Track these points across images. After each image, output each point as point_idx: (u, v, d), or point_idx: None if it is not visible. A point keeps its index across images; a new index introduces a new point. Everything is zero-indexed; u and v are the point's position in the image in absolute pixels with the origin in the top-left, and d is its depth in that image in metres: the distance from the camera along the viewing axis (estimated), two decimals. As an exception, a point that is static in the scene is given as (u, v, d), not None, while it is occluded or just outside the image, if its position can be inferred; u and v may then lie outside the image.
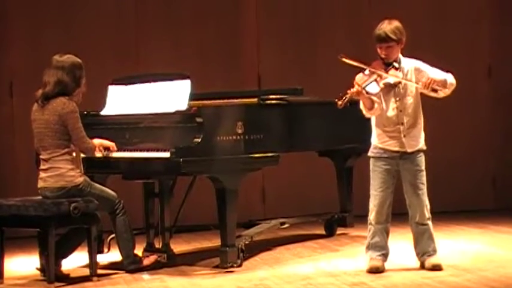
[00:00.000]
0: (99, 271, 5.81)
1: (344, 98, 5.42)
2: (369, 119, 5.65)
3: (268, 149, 6.07)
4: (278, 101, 6.31)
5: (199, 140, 5.67)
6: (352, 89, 5.42)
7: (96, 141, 5.88)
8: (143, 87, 6.31)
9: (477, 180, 8.83)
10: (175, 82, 6.10)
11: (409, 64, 5.57)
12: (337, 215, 7.33)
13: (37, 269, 5.90)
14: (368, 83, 5.46)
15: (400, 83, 5.51)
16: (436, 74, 5.52)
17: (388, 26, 5.50)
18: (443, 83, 5.48)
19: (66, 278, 5.81)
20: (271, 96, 6.32)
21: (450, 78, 5.53)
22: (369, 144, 5.72)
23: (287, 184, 8.47)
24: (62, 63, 5.74)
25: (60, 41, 7.97)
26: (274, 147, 6.12)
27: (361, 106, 5.54)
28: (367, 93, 5.45)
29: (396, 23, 5.53)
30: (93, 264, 5.70)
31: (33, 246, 6.12)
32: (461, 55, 8.73)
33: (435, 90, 5.46)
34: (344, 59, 5.54)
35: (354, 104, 5.71)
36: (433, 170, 5.78)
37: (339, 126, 6.66)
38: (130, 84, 6.40)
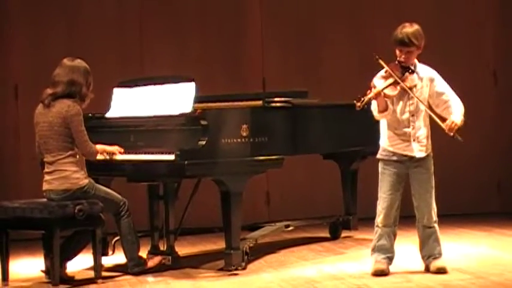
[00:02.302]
0: (104, 273, 5.81)
1: (363, 100, 5.41)
2: (375, 122, 5.64)
3: (273, 151, 6.06)
4: (283, 104, 6.31)
5: (204, 143, 5.67)
6: (371, 92, 5.41)
7: (99, 147, 5.88)
8: (148, 90, 6.31)
9: (482, 184, 8.82)
10: (180, 85, 6.10)
11: (425, 72, 5.56)
12: (341, 218, 7.33)
13: (42, 271, 5.90)
14: (386, 86, 5.45)
15: (415, 86, 5.49)
16: (446, 94, 5.49)
17: (410, 30, 5.47)
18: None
19: (71, 280, 5.82)
20: (275, 99, 6.32)
21: (462, 109, 5.48)
22: (373, 147, 5.71)
23: (292, 187, 8.47)
24: (76, 64, 5.75)
25: (65, 44, 7.99)
26: (278, 149, 6.11)
27: (373, 107, 5.53)
28: (384, 95, 5.44)
29: (417, 27, 5.52)
30: (97, 267, 5.70)
31: (38, 249, 6.13)
32: (466, 60, 8.73)
33: (459, 139, 5.41)
34: (380, 60, 5.50)
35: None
36: (439, 174, 5.77)
37: (343, 129, 6.65)
38: (135, 86, 6.41)
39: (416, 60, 5.57)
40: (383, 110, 5.50)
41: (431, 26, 8.64)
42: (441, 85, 5.55)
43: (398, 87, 5.47)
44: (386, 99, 5.46)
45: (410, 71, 5.49)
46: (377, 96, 5.42)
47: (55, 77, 5.73)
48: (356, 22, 8.64)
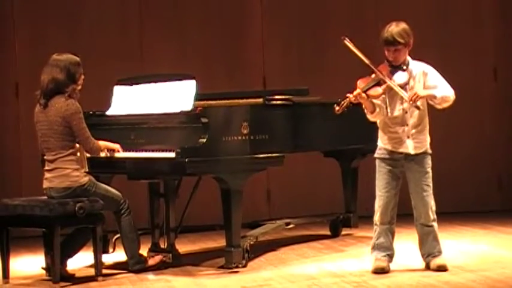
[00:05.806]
0: (104, 271, 5.82)
1: (342, 103, 5.43)
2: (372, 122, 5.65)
3: (273, 149, 6.07)
4: (283, 102, 6.31)
5: (205, 141, 5.68)
6: (351, 94, 5.41)
7: (102, 143, 5.88)
8: (148, 88, 6.31)
9: (483, 181, 8.82)
10: (180, 82, 6.10)
11: (418, 67, 5.54)
12: (342, 216, 7.33)
13: (43, 268, 5.91)
14: (369, 86, 5.45)
15: (407, 83, 5.49)
16: (439, 87, 5.45)
17: (395, 29, 5.45)
18: (432, 98, 5.43)
19: (72, 278, 5.82)
20: (276, 97, 6.32)
21: (445, 93, 5.44)
22: (374, 145, 5.72)
23: (292, 184, 8.47)
24: (57, 61, 5.73)
25: (65, 42, 7.98)
26: (279, 147, 6.12)
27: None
28: (368, 96, 5.44)
29: (404, 25, 5.49)
30: (98, 264, 5.70)
31: (39, 246, 6.14)
32: (466, 58, 8.73)
33: (417, 107, 5.42)
34: (346, 42, 5.53)
35: (358, 105, 5.71)
36: (439, 171, 5.77)
37: (344, 127, 6.65)
38: (135, 84, 6.41)
39: (409, 58, 5.55)
40: (371, 111, 5.50)
41: (432, 24, 8.69)
42: (434, 78, 5.52)
43: (383, 86, 5.45)
44: (373, 99, 5.46)
45: (401, 69, 5.48)
46: (357, 97, 5.41)
47: (41, 76, 5.73)
48: (358, 20, 8.63)
